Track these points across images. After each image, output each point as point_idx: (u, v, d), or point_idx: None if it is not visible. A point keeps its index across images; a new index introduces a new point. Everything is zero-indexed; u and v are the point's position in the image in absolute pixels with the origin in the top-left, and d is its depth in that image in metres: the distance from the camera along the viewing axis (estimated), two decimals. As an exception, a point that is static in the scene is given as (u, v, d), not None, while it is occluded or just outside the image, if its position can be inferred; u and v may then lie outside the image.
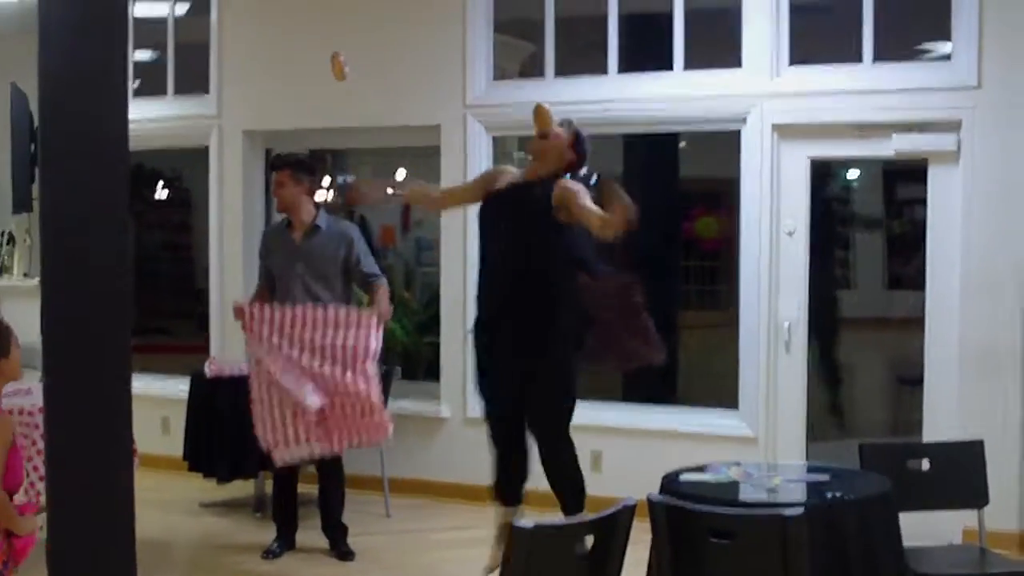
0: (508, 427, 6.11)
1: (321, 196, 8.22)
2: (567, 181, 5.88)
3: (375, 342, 6.76)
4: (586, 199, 5.71)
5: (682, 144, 9.30)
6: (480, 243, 6.29)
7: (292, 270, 7.05)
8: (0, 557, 4.40)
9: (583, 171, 6.14)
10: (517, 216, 5.85)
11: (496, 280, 5.99)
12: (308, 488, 7.42)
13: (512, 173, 6.16)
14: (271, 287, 7.29)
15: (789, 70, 7.62)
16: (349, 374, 6.68)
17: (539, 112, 6.11)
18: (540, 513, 5.91)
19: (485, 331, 6.09)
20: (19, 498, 4.51)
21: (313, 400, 6.63)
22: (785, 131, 7.63)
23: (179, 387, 8.52)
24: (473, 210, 8.31)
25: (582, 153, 5.95)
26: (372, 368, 6.74)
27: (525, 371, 5.90)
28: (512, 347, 5.92)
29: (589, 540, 4.26)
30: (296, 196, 7.08)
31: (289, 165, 7.15)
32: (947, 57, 7.31)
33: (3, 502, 4.35)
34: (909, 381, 7.77)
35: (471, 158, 8.46)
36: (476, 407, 8.30)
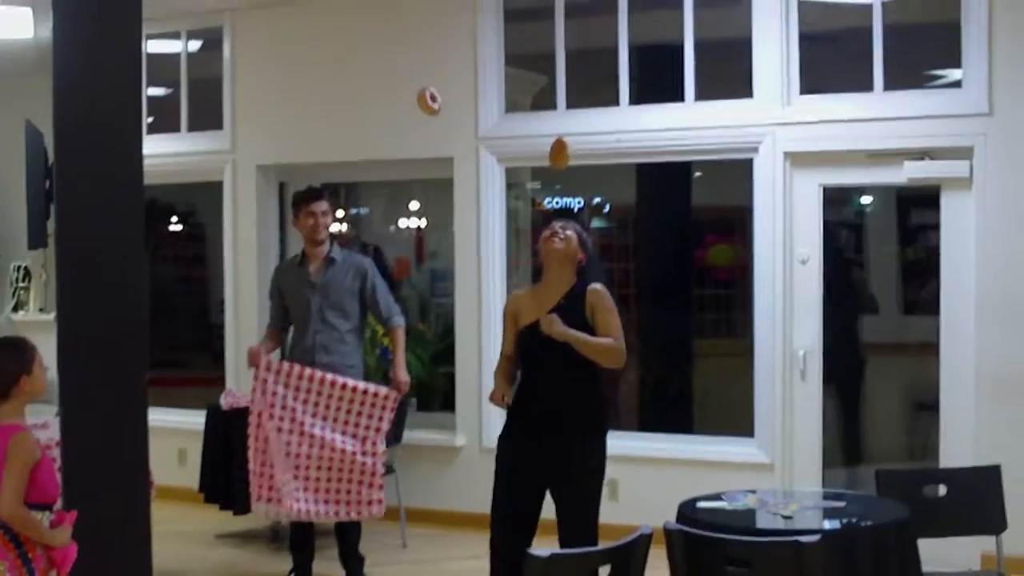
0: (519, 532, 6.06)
1: (334, 228, 8.25)
2: (599, 288, 5.90)
3: (387, 423, 6.87)
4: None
5: (697, 174, 9.32)
6: (521, 364, 6.20)
7: (310, 304, 7.09)
8: (41, 572, 4.42)
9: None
10: (553, 342, 5.81)
11: (542, 392, 5.96)
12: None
13: (524, 293, 6.18)
14: (282, 328, 7.36)
15: (800, 99, 7.64)
16: (356, 446, 6.76)
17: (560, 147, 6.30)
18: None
19: (521, 433, 6.09)
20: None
21: (291, 502, 6.70)
22: (797, 159, 7.65)
23: (195, 419, 8.54)
24: (486, 241, 8.39)
25: (588, 250, 6.01)
26: (381, 445, 6.84)
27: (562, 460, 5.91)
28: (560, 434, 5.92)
29: (606, 569, 4.27)
30: (330, 225, 7.19)
31: (324, 195, 7.21)
32: (958, 84, 7.32)
33: (28, 517, 4.37)
34: (925, 406, 7.76)
35: (483, 190, 8.49)
36: (492, 436, 8.33)
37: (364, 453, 6.79)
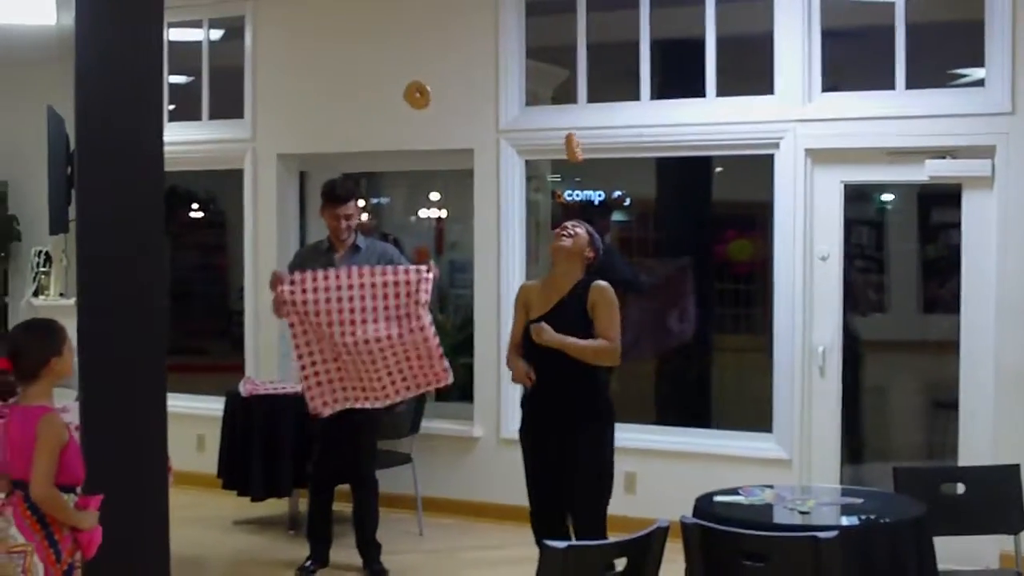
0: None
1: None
2: (601, 285, 6.04)
3: (425, 294, 6.79)
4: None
5: (718, 169, 9.30)
6: (529, 361, 6.30)
7: None
8: (67, 553, 4.44)
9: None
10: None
11: (545, 392, 6.11)
12: (342, 506, 7.44)
13: (534, 284, 6.32)
14: None
15: (822, 96, 7.62)
16: (403, 327, 6.74)
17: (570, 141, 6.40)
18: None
19: (533, 427, 6.21)
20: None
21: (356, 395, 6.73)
22: (818, 156, 7.63)
23: (214, 405, 8.58)
24: (506, 233, 8.40)
25: (597, 248, 6.17)
26: (426, 316, 6.78)
27: (568, 452, 6.00)
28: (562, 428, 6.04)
29: (622, 561, 4.27)
30: (355, 226, 7.19)
31: (355, 195, 7.18)
32: (981, 83, 7.29)
33: (58, 499, 4.40)
34: (944, 405, 7.74)
35: (504, 181, 8.49)
36: (509, 427, 8.35)
37: (411, 330, 6.74)
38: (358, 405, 6.85)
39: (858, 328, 8.00)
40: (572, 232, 6.09)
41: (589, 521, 5.95)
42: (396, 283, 6.79)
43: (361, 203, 9.65)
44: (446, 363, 6.80)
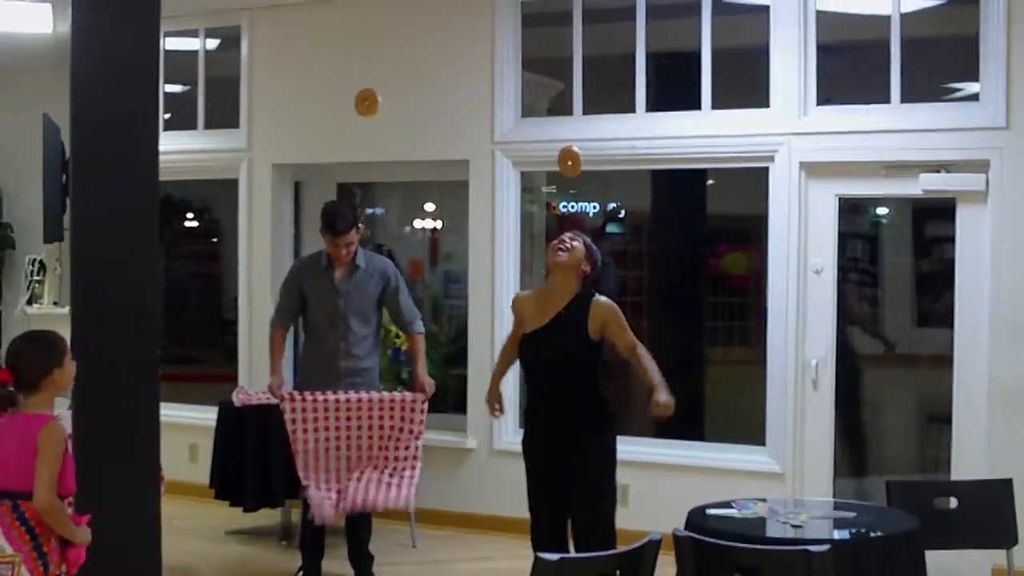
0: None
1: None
2: (604, 303, 6.05)
3: (419, 425, 7.01)
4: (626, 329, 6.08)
5: (711, 181, 9.31)
6: (524, 374, 6.41)
7: (334, 308, 7.10)
8: (55, 565, 4.42)
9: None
10: (558, 353, 6.02)
11: (544, 407, 6.16)
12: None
13: (528, 296, 6.34)
14: (290, 325, 7.45)
15: (816, 110, 7.64)
16: (393, 451, 6.93)
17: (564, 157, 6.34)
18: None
19: (534, 437, 6.24)
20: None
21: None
22: (813, 169, 7.64)
23: (207, 415, 8.57)
24: (500, 244, 8.40)
25: (595, 261, 6.15)
26: (415, 445, 6.99)
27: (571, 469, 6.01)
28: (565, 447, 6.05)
29: (615, 574, 4.27)
30: (354, 250, 7.18)
31: (355, 224, 7.16)
32: (975, 97, 7.30)
33: (60, 509, 4.38)
34: (938, 419, 7.74)
35: (499, 193, 8.50)
36: (503, 439, 8.35)
37: (398, 458, 6.93)
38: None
39: (856, 342, 8.01)
40: (569, 246, 6.07)
41: (598, 533, 5.93)
42: (391, 408, 6.99)
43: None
44: (413, 493, 6.95)
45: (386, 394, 7.06)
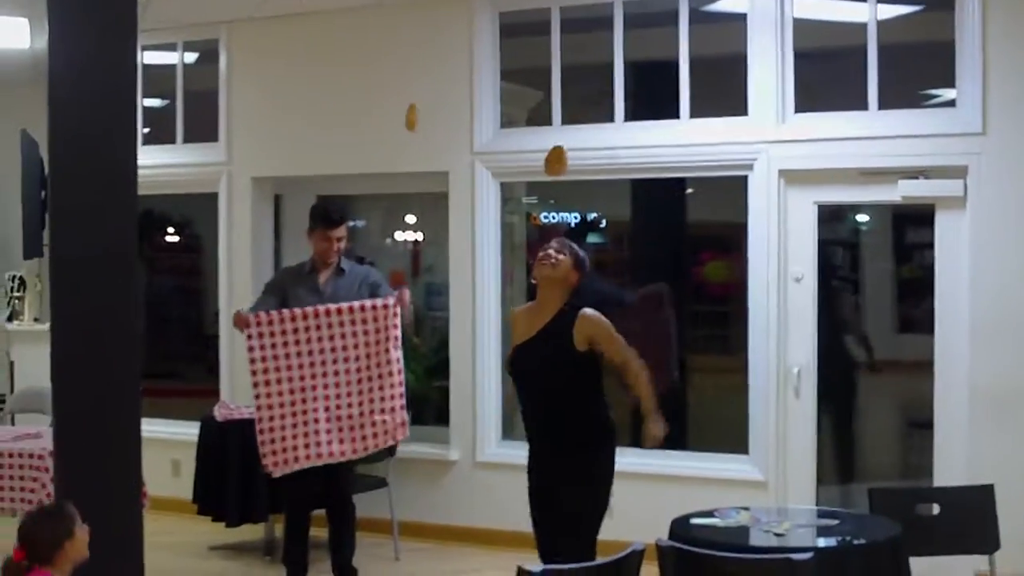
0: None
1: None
2: (589, 316, 5.93)
3: (395, 329, 6.80)
4: (614, 335, 5.93)
5: (689, 190, 9.33)
6: (516, 389, 6.27)
7: None
8: None
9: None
10: (543, 366, 5.93)
11: (534, 422, 6.08)
12: (319, 531, 7.41)
13: (522, 311, 6.23)
14: None
15: (795, 117, 7.66)
16: (371, 369, 6.73)
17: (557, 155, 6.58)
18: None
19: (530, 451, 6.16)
20: None
21: (312, 452, 6.70)
22: (792, 177, 7.66)
23: (189, 430, 8.55)
24: (481, 255, 8.40)
25: (585, 269, 6.06)
26: (395, 353, 6.75)
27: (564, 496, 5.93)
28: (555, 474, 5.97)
29: None
30: (343, 249, 7.22)
31: (347, 217, 7.20)
32: (952, 103, 7.34)
33: None
34: (919, 425, 7.76)
35: (479, 204, 8.50)
36: (485, 451, 8.34)
37: (380, 375, 6.72)
38: (309, 464, 6.82)
39: (837, 349, 8.03)
40: (555, 259, 5.97)
41: (568, 548, 5.84)
42: (364, 319, 6.78)
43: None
44: (406, 415, 6.79)
45: (356, 302, 6.87)
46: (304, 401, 6.74)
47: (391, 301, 6.87)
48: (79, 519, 4.43)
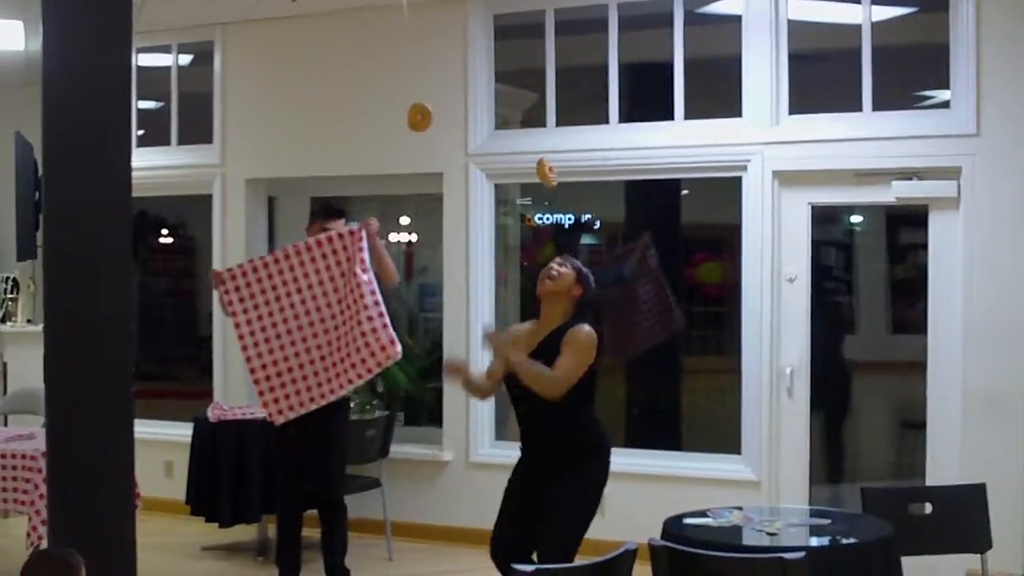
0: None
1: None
2: (576, 329, 5.86)
3: (363, 253, 6.63)
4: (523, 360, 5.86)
5: (684, 191, 9.34)
6: (513, 406, 6.20)
7: None
8: None
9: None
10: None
11: (531, 438, 6.04)
12: (311, 532, 7.41)
13: (526, 327, 6.18)
14: None
15: (789, 119, 7.67)
16: (344, 294, 6.63)
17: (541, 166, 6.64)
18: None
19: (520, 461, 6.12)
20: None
21: (313, 394, 6.64)
22: (786, 178, 7.68)
23: (182, 431, 8.55)
24: (475, 257, 8.41)
25: (588, 284, 6.01)
26: (364, 276, 6.57)
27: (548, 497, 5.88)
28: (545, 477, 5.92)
29: None
30: None
31: (345, 214, 7.18)
32: (946, 104, 7.35)
33: None
34: (912, 425, 7.78)
35: (473, 205, 8.51)
36: (479, 451, 8.35)
37: (355, 300, 6.55)
38: (313, 406, 6.68)
39: (842, 349, 8.05)
40: (557, 272, 5.94)
41: (553, 544, 5.82)
42: (333, 251, 6.69)
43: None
44: (392, 333, 6.59)
45: (320, 235, 6.75)
46: (292, 344, 6.65)
47: (355, 227, 6.79)
48: (83, 568, 4.33)
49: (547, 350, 5.84)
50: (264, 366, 6.66)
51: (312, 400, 6.65)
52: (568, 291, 5.94)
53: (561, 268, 5.96)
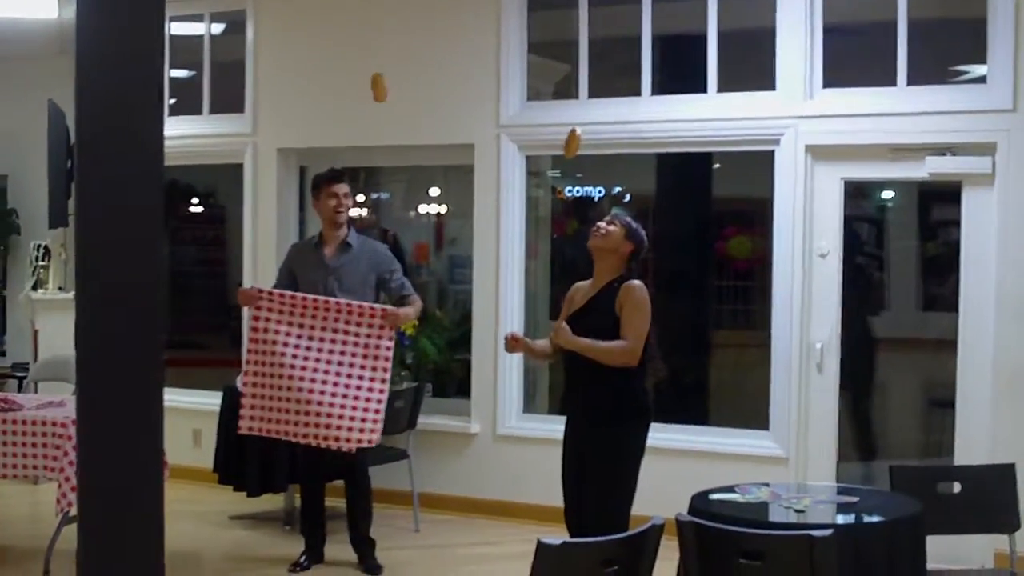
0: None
1: (354, 213, 8.23)
2: (629, 285, 5.91)
3: (387, 341, 6.82)
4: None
5: (716, 165, 9.30)
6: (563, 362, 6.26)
7: (325, 286, 7.08)
8: None
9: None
10: (588, 334, 5.90)
11: (573, 394, 6.12)
12: (336, 502, 7.44)
13: (583, 284, 6.20)
14: None
15: (823, 92, 7.62)
16: (360, 366, 6.77)
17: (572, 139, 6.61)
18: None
19: (567, 421, 6.17)
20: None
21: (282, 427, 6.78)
22: (819, 152, 7.63)
23: (211, 400, 8.58)
24: (506, 228, 8.40)
25: (639, 241, 6.02)
26: (383, 363, 6.79)
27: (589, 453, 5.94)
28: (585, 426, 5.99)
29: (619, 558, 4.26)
30: (351, 207, 7.25)
31: (345, 178, 7.27)
32: (982, 79, 7.28)
33: None
34: (941, 403, 7.74)
35: (504, 177, 8.49)
36: (506, 423, 8.35)
37: (363, 378, 6.77)
38: (275, 436, 6.91)
39: (872, 325, 8.00)
40: (604, 230, 5.96)
41: (602, 525, 5.81)
42: (360, 323, 6.82)
43: (360, 198, 9.66)
44: (379, 427, 6.81)
45: (355, 303, 6.87)
46: (291, 378, 6.79)
47: (383, 311, 6.87)
48: None
49: (597, 305, 5.92)
50: (256, 384, 6.90)
51: (280, 433, 6.90)
52: (617, 248, 5.97)
53: (609, 227, 5.98)
